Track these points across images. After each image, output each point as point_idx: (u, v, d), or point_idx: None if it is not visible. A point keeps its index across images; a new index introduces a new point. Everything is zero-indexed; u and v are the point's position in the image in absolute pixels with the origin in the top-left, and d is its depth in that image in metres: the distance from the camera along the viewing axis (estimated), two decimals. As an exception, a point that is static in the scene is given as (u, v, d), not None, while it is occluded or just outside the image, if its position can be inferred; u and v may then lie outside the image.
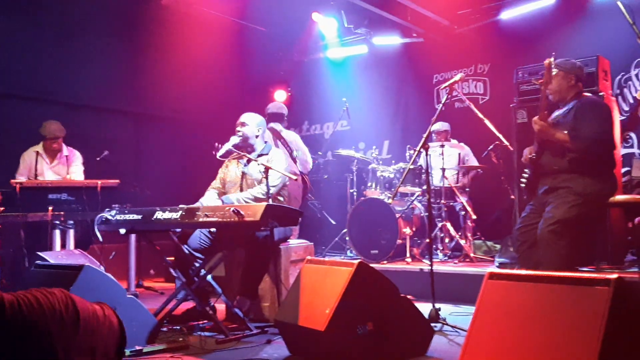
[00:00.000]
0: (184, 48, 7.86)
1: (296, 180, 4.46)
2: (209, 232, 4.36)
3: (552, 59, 3.81)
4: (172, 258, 4.53)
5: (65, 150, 6.04)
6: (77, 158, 6.10)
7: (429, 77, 8.15)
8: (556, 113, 3.99)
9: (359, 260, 3.12)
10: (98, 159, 6.32)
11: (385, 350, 3.07)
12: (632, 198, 4.44)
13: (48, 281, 3.32)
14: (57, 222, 5.25)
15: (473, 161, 6.68)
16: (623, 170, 5.67)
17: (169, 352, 3.37)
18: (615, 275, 2.07)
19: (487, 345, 2.25)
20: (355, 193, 6.85)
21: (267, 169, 4.33)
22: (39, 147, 5.95)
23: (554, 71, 3.85)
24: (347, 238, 6.35)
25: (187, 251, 4.25)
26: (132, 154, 8.21)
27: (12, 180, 5.42)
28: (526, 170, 4.09)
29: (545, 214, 3.78)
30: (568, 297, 2.15)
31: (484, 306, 2.34)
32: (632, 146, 6.21)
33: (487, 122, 5.31)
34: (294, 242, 4.68)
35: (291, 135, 6.06)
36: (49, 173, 5.92)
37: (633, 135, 6.21)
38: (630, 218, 4.96)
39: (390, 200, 5.36)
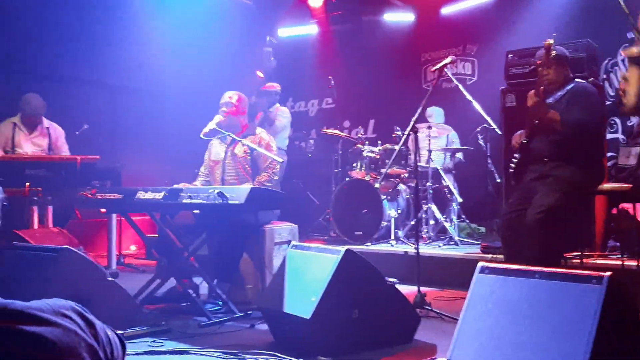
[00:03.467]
0: (165, 20, 7.64)
1: (282, 161, 4.40)
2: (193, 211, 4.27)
3: (552, 41, 3.74)
4: (155, 235, 4.45)
5: (45, 121, 5.84)
6: (61, 135, 5.88)
7: (416, 56, 8.05)
8: (549, 99, 3.95)
9: (346, 248, 3.06)
10: (77, 132, 6.17)
11: (371, 337, 3.04)
12: (617, 186, 4.44)
13: (25, 263, 3.23)
14: (35, 198, 5.12)
15: (457, 144, 6.66)
16: (608, 155, 5.69)
17: (150, 337, 3.30)
18: (608, 272, 2.05)
19: (478, 339, 2.22)
20: (340, 173, 6.79)
21: (250, 148, 4.25)
22: (16, 119, 5.74)
23: (553, 53, 3.78)
24: (330, 219, 6.30)
25: (169, 230, 4.16)
26: (110, 128, 8.02)
27: (-12, 155, 5.27)
28: (515, 155, 4.06)
29: (533, 201, 3.76)
30: (560, 293, 2.12)
31: (474, 300, 2.30)
32: (616, 131, 6.22)
33: (475, 104, 5.26)
34: (277, 223, 4.61)
35: None
36: (28, 144, 5.73)
37: (617, 120, 6.21)
38: (614, 205, 4.99)
39: (377, 185, 5.29)
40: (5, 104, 5.97)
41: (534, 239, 3.68)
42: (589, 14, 6.25)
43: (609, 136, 6.03)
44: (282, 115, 6.78)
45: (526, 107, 4.01)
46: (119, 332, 3.33)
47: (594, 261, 4.61)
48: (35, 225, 5.11)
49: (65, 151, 5.84)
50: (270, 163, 4.45)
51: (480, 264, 2.34)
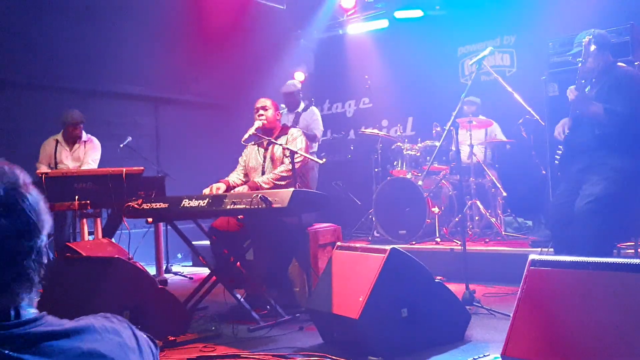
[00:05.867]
0: (201, 30, 7.76)
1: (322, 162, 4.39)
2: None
3: (590, 36, 3.68)
4: (201, 242, 4.50)
5: (85, 136, 6.01)
6: (94, 147, 6.02)
7: (452, 50, 7.95)
8: (590, 86, 3.85)
9: (391, 247, 3.04)
10: (121, 145, 6.31)
11: (421, 337, 3.02)
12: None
13: (79, 275, 3.32)
14: (84, 211, 5.26)
15: (501, 137, 6.53)
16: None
17: (201, 342, 3.35)
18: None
19: (532, 334, 2.17)
20: (380, 172, 6.75)
21: (290, 151, 4.26)
22: (59, 136, 5.95)
23: (592, 47, 3.70)
24: (373, 219, 6.27)
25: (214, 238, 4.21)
26: (153, 139, 8.19)
27: (38, 171, 5.43)
28: (560, 147, 3.97)
29: (582, 191, 3.66)
30: (615, 284, 2.05)
31: (526, 295, 2.25)
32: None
33: (516, 95, 5.16)
34: (321, 225, 4.62)
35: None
36: (69, 160, 5.91)
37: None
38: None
39: (420, 182, 5.23)
40: (49, 122, 6.16)
41: (584, 230, 3.59)
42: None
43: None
44: (318, 119, 6.69)
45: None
46: (170, 338, 3.39)
47: (649, 250, 4.45)
48: (86, 237, 5.25)
49: (88, 163, 5.92)
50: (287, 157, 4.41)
51: (531, 257, 2.29)
